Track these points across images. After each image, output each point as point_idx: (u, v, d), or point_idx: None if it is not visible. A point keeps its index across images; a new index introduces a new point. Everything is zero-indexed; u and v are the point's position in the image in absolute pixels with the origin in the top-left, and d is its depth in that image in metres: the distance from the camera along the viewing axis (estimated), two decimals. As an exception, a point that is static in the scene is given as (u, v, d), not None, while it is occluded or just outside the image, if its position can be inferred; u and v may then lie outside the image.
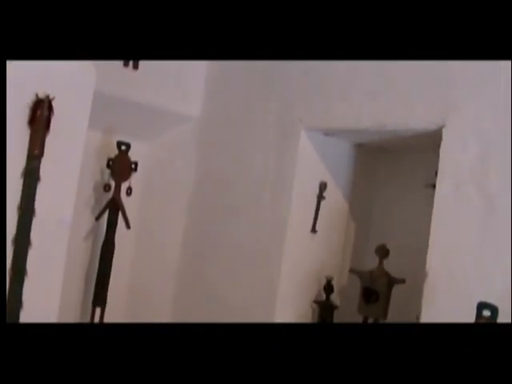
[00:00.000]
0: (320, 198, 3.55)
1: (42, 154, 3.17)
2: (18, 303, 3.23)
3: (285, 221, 3.51)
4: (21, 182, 3.20)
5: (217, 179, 3.99)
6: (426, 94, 2.97)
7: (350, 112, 3.31)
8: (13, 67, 3.13)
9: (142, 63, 3.85)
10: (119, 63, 3.82)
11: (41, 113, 3.16)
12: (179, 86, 4.06)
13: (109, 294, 3.94)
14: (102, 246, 3.93)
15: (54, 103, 3.20)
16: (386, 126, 3.11)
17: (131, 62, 3.83)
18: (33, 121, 3.17)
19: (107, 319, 3.93)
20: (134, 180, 3.96)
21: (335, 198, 3.65)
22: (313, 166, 3.56)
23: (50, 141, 3.19)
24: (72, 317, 4.03)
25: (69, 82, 3.31)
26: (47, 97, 3.19)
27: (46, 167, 3.21)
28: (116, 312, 4.08)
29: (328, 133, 3.50)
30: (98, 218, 3.95)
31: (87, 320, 3.96)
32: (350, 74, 3.33)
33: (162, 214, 4.23)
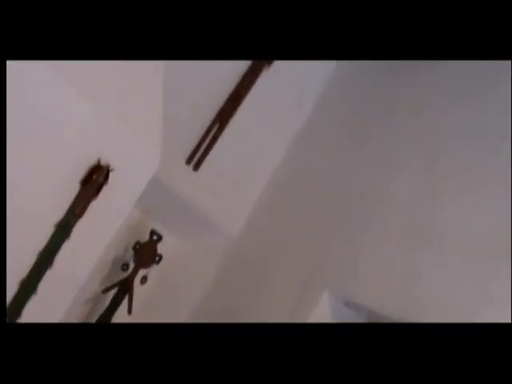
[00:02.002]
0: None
1: (81, 215, 3.24)
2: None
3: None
4: (50, 231, 3.25)
5: (227, 303, 3.98)
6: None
7: (375, 294, 3.29)
8: (86, 125, 3.25)
9: (204, 167, 3.95)
10: (183, 157, 3.93)
11: (96, 178, 3.24)
12: (229, 200, 4.13)
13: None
14: (97, 320, 3.91)
15: (111, 174, 3.30)
16: (406, 320, 3.09)
17: (194, 162, 3.94)
18: (86, 182, 3.25)
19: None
20: (153, 270, 3.99)
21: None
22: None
23: (93, 206, 3.28)
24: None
25: (132, 160, 3.41)
26: (107, 166, 3.28)
27: (79, 228, 3.28)
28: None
29: (348, 304, 3.50)
30: (104, 292, 3.95)
31: None
32: (384, 257, 3.35)
33: (165, 313, 4.19)
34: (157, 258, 3.94)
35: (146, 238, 3.98)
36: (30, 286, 3.25)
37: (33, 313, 3.26)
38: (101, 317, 3.89)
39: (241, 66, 3.97)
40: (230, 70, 3.94)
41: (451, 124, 3.34)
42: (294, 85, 4.21)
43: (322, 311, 3.49)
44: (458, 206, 3.17)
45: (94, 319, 3.95)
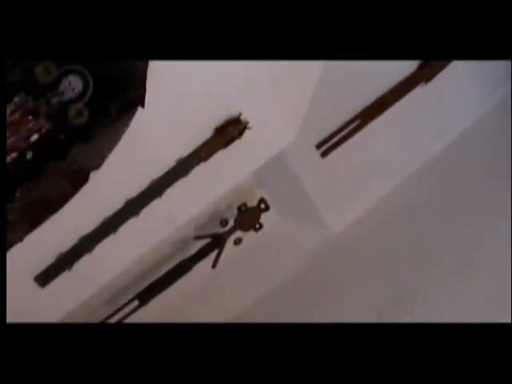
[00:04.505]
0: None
1: (205, 159, 3.29)
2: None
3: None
4: (171, 165, 3.32)
5: (301, 298, 3.96)
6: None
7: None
8: (239, 81, 3.28)
9: (332, 157, 3.94)
10: (314, 142, 3.93)
11: (231, 130, 3.28)
12: (343, 198, 4.10)
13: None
14: (179, 263, 3.98)
15: (246, 131, 3.33)
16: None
17: (323, 149, 3.93)
18: (221, 130, 3.30)
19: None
20: (248, 236, 4.03)
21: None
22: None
23: (219, 155, 3.33)
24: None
25: (269, 127, 3.44)
26: (246, 123, 3.32)
27: (198, 171, 3.33)
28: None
29: None
30: (196, 238, 3.99)
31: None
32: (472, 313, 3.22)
33: (243, 282, 4.21)
34: (257, 226, 3.96)
35: (252, 202, 4.00)
36: (133, 207, 3.33)
37: (127, 232, 3.36)
38: (184, 261, 3.95)
39: (397, 75, 3.93)
40: (386, 76, 3.90)
41: None
42: (443, 112, 4.14)
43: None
44: None
45: (175, 262, 4.02)
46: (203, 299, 4.19)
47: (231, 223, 3.97)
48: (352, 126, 3.94)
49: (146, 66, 2.98)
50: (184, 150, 3.28)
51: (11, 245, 3.14)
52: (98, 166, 3.11)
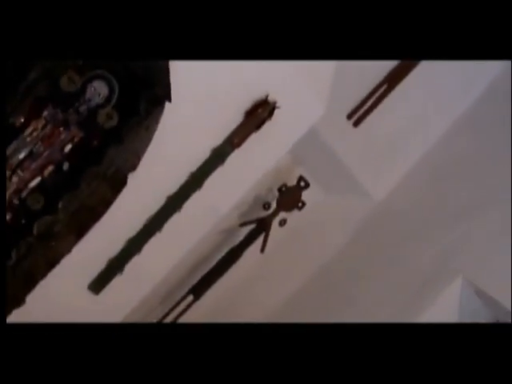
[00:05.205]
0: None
1: (239, 145, 3.28)
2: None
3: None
4: (206, 155, 3.31)
5: (353, 269, 3.95)
6: None
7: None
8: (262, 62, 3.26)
9: (364, 125, 3.90)
10: (345, 112, 3.90)
11: (261, 112, 3.26)
12: (380, 164, 4.06)
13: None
14: (228, 252, 3.97)
15: (276, 111, 3.30)
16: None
17: (355, 118, 3.90)
18: (250, 114, 3.28)
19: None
20: (292, 216, 4.01)
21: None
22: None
23: (252, 139, 3.30)
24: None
25: (297, 104, 3.40)
26: (274, 103, 3.29)
27: (234, 158, 3.31)
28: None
29: (479, 294, 3.32)
30: (242, 225, 3.99)
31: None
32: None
33: (294, 261, 4.19)
34: (300, 205, 3.94)
35: (291, 182, 3.97)
36: (175, 203, 3.33)
37: (172, 228, 3.36)
38: (233, 250, 3.94)
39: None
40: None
41: None
42: (467, 68, 4.06)
43: (451, 296, 3.39)
44: None
45: (224, 251, 4.01)
46: (256, 284, 4.20)
47: (274, 205, 3.95)
48: (380, 91, 3.90)
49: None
50: (217, 139, 3.27)
51: (61, 257, 3.16)
52: (134, 166, 3.12)
